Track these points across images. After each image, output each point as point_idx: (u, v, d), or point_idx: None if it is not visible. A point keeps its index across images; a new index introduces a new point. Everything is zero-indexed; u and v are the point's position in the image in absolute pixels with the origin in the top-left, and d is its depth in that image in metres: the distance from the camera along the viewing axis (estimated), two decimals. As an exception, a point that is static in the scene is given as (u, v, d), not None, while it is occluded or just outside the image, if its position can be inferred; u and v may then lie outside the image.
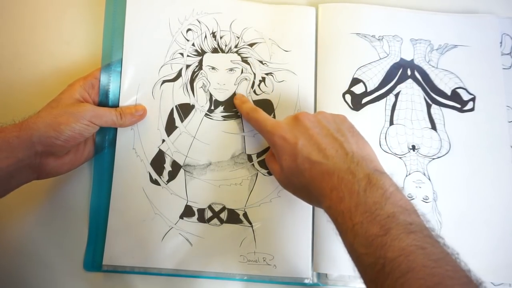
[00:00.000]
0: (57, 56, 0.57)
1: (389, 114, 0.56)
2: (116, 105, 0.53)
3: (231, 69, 0.56)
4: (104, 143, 0.52)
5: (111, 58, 0.53)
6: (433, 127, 0.55)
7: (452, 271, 0.32)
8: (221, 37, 0.56)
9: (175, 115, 0.54)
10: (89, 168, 0.54)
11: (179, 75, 0.55)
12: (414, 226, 0.35)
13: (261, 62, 0.56)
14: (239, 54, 0.56)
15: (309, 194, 0.44)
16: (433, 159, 0.54)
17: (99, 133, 0.52)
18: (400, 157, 0.54)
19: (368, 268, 0.35)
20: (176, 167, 0.53)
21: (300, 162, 0.43)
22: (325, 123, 0.45)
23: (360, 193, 0.38)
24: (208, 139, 0.54)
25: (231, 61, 0.56)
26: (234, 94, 0.55)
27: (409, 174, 0.54)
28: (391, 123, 0.55)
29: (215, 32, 0.56)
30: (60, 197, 0.53)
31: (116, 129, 0.53)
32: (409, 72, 0.57)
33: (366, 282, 0.36)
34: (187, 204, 0.52)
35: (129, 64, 0.54)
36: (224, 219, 0.52)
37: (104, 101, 0.52)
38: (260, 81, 0.56)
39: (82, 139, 0.48)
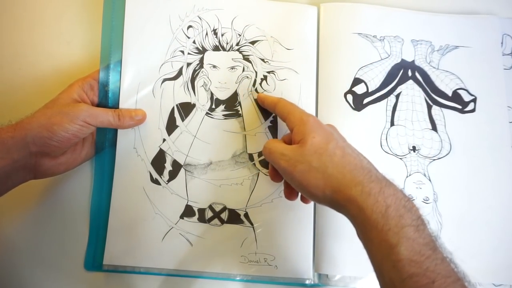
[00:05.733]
0: (56, 56, 0.56)
1: (390, 115, 0.56)
2: (116, 106, 0.52)
3: (232, 68, 0.55)
4: (104, 143, 0.52)
5: (110, 57, 0.52)
6: (434, 128, 0.55)
7: None
8: (222, 35, 0.56)
9: (176, 114, 0.53)
10: (90, 167, 0.53)
11: (179, 73, 0.54)
12: (451, 255, 0.36)
13: (262, 60, 0.55)
14: (240, 52, 0.55)
15: (325, 177, 0.40)
16: (434, 160, 0.54)
17: (100, 133, 0.51)
18: (400, 158, 0.54)
19: (409, 279, 0.33)
20: (176, 167, 0.52)
21: (332, 146, 0.42)
22: None
23: (404, 200, 0.37)
24: (209, 138, 0.53)
25: (232, 59, 0.55)
26: (236, 92, 0.54)
27: (410, 175, 0.54)
28: (392, 124, 0.55)
29: (216, 29, 0.56)
30: (60, 196, 0.53)
31: (116, 129, 0.52)
32: (410, 73, 0.57)
33: None
34: (188, 204, 0.52)
35: (129, 63, 0.53)
36: (225, 219, 0.52)
37: (103, 102, 0.51)
38: (262, 80, 0.55)
39: (77, 139, 0.47)
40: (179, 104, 0.53)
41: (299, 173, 0.42)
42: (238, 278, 0.51)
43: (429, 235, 0.36)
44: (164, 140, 0.52)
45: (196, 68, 0.54)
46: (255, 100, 0.54)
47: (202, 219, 0.52)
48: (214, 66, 0.55)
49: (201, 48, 0.55)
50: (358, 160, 0.41)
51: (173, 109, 0.53)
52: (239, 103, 0.54)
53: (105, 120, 0.48)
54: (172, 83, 0.54)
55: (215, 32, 0.56)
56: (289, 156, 0.43)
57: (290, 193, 0.49)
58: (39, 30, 0.57)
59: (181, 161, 0.52)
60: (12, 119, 0.45)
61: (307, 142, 0.42)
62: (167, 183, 0.52)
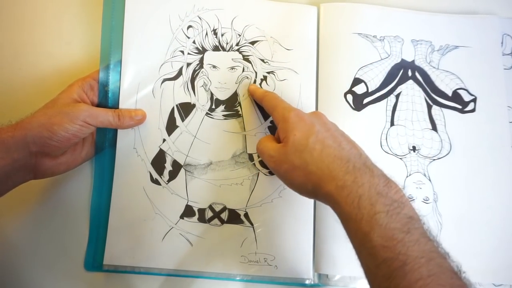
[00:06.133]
0: (56, 56, 0.56)
1: (390, 115, 0.56)
2: (116, 106, 0.52)
3: (232, 68, 0.55)
4: (104, 143, 0.52)
5: (110, 57, 0.52)
6: (434, 128, 0.55)
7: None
8: (222, 35, 0.56)
9: (176, 114, 0.53)
10: (90, 167, 0.53)
11: (179, 73, 0.54)
12: (430, 235, 0.36)
13: (262, 60, 0.55)
14: (240, 52, 0.55)
15: (306, 174, 0.41)
16: (434, 160, 0.54)
17: (100, 133, 0.51)
18: (400, 158, 0.54)
19: (383, 263, 0.34)
20: (176, 167, 0.52)
21: (312, 141, 0.42)
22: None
23: (380, 186, 0.37)
24: (209, 139, 0.53)
25: (232, 59, 0.55)
26: (235, 93, 0.54)
27: (410, 175, 0.54)
28: (392, 124, 0.55)
29: (216, 29, 0.56)
30: (60, 196, 0.52)
31: (116, 129, 0.52)
32: (410, 73, 0.57)
33: (376, 277, 0.35)
34: (188, 204, 0.52)
35: (129, 63, 0.53)
36: (225, 219, 0.52)
37: (103, 102, 0.51)
38: (262, 80, 0.55)
39: (77, 139, 0.47)
40: (179, 104, 0.53)
41: (285, 172, 0.44)
42: (238, 278, 0.51)
43: (405, 217, 0.36)
44: (164, 140, 0.53)
45: (196, 68, 0.54)
46: (255, 100, 0.54)
47: (202, 219, 0.52)
48: (214, 66, 0.55)
49: (201, 48, 0.55)
50: (337, 151, 0.41)
51: (173, 109, 0.53)
52: (239, 103, 0.54)
53: (105, 120, 0.48)
54: (172, 83, 0.54)
55: (215, 32, 0.56)
56: (275, 157, 0.45)
57: None
58: (39, 30, 0.57)
59: (181, 161, 0.52)
60: (12, 119, 0.45)
61: (289, 140, 0.43)
62: (167, 183, 0.52)
